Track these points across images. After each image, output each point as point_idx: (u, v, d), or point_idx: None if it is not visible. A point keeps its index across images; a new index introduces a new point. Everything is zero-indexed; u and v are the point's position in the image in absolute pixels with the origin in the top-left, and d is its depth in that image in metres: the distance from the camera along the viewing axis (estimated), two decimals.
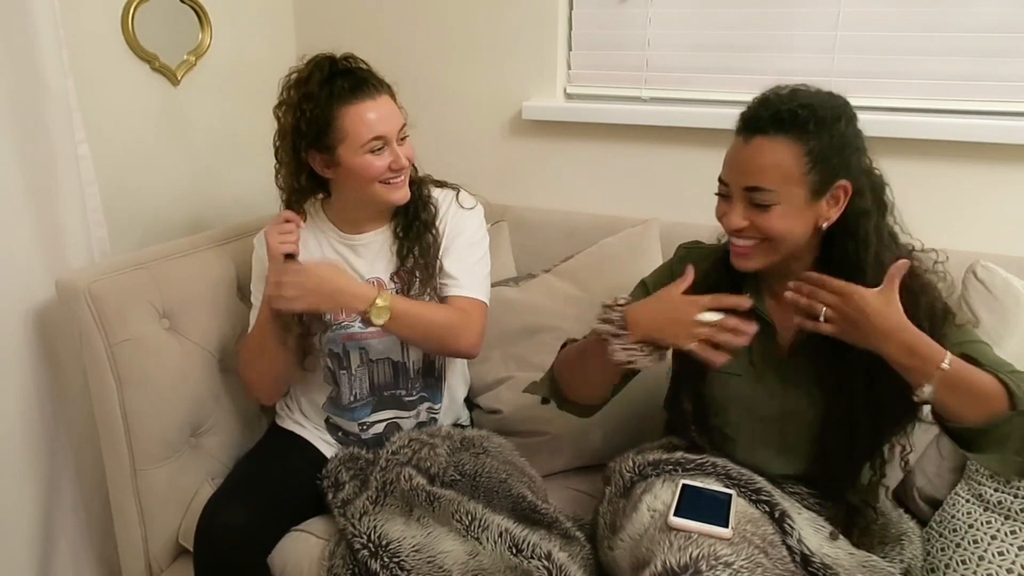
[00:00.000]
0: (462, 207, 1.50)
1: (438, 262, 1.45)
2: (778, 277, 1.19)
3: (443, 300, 1.45)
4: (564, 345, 1.36)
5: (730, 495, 1.12)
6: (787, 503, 1.16)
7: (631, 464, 1.25)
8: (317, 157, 1.37)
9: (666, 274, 1.32)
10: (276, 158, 1.41)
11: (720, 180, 1.15)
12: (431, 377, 1.52)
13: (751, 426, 1.24)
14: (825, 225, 1.12)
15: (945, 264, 1.19)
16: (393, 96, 1.40)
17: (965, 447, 1.10)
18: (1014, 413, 1.02)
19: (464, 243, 1.48)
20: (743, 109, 1.14)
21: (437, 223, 1.47)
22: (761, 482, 1.16)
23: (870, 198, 1.13)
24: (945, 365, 1.02)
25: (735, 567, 0.97)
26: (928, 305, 1.12)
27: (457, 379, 1.58)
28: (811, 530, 1.15)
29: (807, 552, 1.07)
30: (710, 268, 1.24)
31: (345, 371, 1.47)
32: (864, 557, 1.15)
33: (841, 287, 1.05)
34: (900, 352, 1.03)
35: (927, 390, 1.03)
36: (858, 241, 1.11)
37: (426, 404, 1.52)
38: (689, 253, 1.34)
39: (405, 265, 1.44)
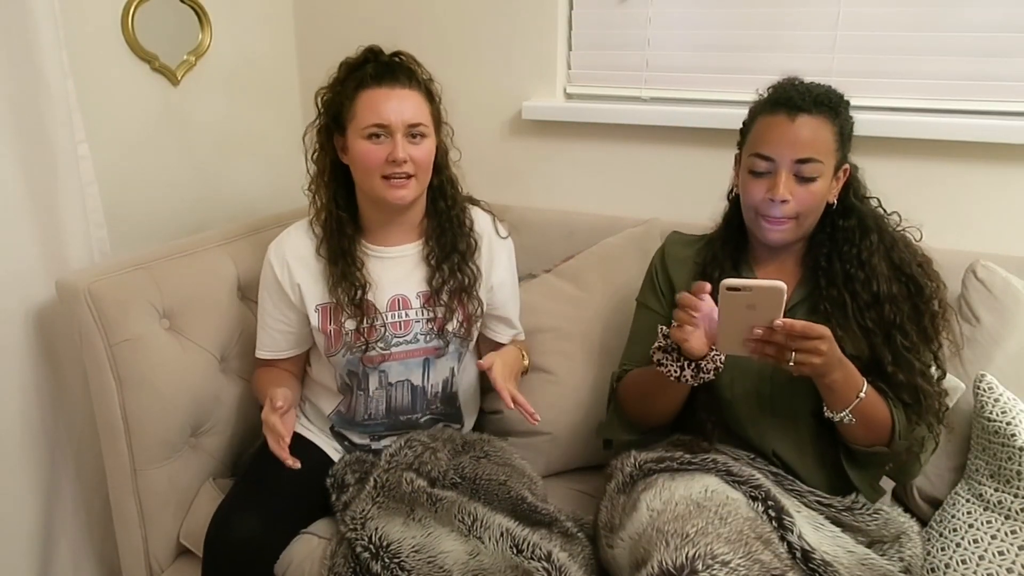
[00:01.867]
0: (499, 236, 1.52)
1: (480, 300, 1.47)
2: (767, 250, 1.30)
3: (492, 340, 1.55)
4: (617, 377, 1.39)
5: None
6: (787, 500, 1.17)
7: (633, 461, 1.25)
8: (339, 140, 1.38)
9: (658, 256, 1.43)
10: (314, 138, 1.43)
11: (761, 157, 1.20)
12: (451, 406, 1.52)
13: (745, 388, 1.27)
14: (833, 202, 1.24)
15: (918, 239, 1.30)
16: (430, 98, 1.39)
17: (844, 455, 1.24)
18: (887, 451, 1.19)
19: (514, 283, 1.55)
20: (769, 95, 1.24)
21: (475, 259, 1.47)
22: (760, 479, 1.17)
23: (855, 178, 1.28)
24: (863, 394, 1.14)
25: (732, 565, 0.97)
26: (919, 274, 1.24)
27: (473, 401, 1.59)
28: (810, 528, 1.15)
29: (807, 548, 1.07)
30: (711, 246, 1.35)
31: (362, 392, 1.46)
32: (864, 555, 1.15)
33: (805, 329, 1.07)
34: (840, 378, 1.13)
35: (845, 414, 1.15)
36: (853, 212, 1.26)
37: (441, 423, 1.52)
38: (683, 236, 1.45)
39: (439, 297, 1.43)
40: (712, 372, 1.17)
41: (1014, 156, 1.55)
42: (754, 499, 1.13)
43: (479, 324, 1.50)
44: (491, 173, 1.96)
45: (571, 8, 1.88)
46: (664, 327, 1.20)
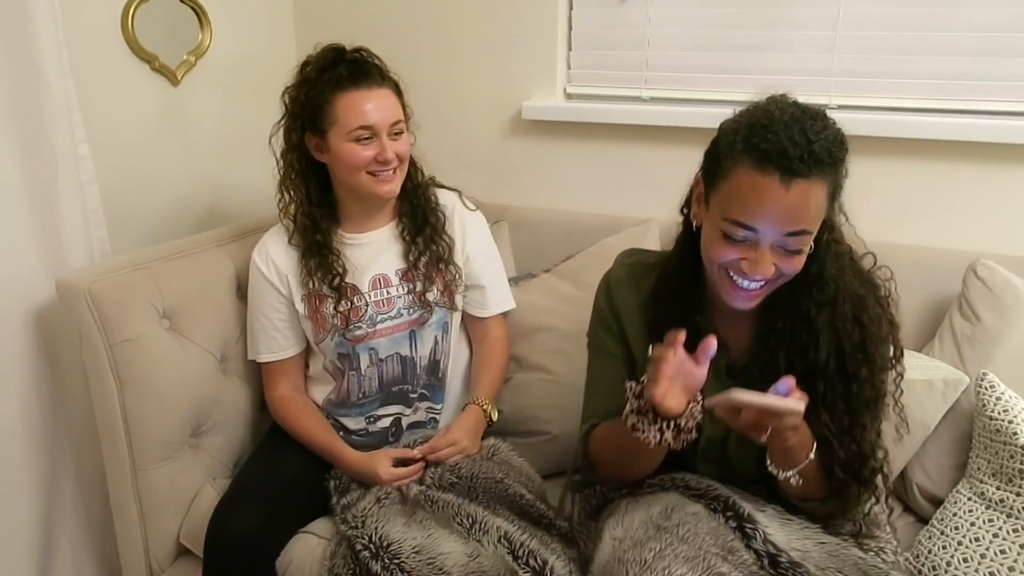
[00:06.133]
0: (468, 208, 1.56)
1: (457, 267, 1.50)
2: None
3: (477, 316, 1.55)
4: (585, 433, 1.23)
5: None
6: (749, 504, 1.12)
7: (594, 491, 1.26)
8: (312, 140, 1.41)
9: (603, 296, 1.26)
10: (283, 137, 1.45)
11: (742, 225, 0.99)
12: (434, 376, 1.52)
13: (698, 445, 1.17)
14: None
15: (890, 277, 1.14)
16: (398, 92, 1.44)
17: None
18: (819, 507, 1.13)
19: (488, 251, 1.57)
20: (753, 139, 0.97)
21: (447, 229, 1.51)
22: (720, 489, 1.13)
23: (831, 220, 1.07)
24: (812, 455, 1.06)
25: None
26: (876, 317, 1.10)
27: (462, 382, 1.59)
28: (778, 524, 1.12)
29: (774, 551, 1.05)
30: (662, 286, 1.18)
31: (355, 372, 1.48)
32: (835, 545, 1.11)
33: (763, 406, 0.96)
34: (796, 442, 1.04)
35: (793, 474, 1.07)
36: (822, 261, 1.07)
37: (426, 403, 1.52)
38: (632, 269, 1.24)
39: (417, 269, 1.47)
40: (694, 430, 1.03)
41: (1014, 156, 1.55)
42: (714, 511, 1.11)
43: (462, 291, 1.53)
44: (491, 173, 1.96)
45: (571, 8, 1.88)
46: (632, 383, 1.05)
